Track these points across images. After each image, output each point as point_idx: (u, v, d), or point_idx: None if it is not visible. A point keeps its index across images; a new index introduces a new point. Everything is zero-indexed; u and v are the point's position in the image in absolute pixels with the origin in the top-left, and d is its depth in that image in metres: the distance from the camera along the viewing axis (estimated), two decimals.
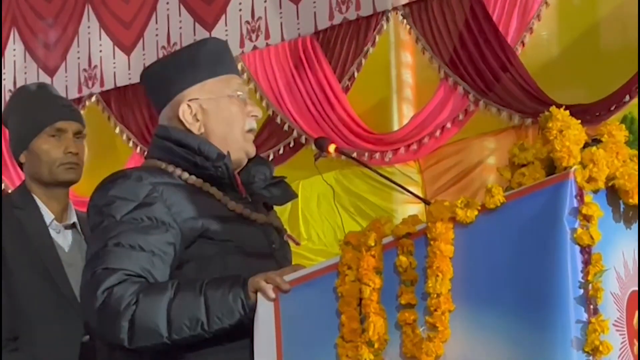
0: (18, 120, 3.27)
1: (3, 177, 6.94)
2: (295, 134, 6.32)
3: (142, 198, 2.44)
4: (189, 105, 2.60)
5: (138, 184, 2.47)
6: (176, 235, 2.45)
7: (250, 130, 2.64)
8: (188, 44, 2.75)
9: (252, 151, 2.65)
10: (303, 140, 6.30)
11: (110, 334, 2.37)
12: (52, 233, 3.16)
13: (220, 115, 2.60)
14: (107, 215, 2.44)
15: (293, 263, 2.58)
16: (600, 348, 2.02)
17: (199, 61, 2.62)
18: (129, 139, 7.15)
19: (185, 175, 2.54)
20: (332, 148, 2.77)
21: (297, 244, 2.65)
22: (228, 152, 2.55)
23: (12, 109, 3.30)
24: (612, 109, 5.11)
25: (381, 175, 3.13)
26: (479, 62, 5.66)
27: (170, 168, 2.55)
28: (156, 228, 2.43)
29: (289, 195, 2.68)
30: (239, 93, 2.63)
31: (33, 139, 3.21)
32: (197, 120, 2.59)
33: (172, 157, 2.56)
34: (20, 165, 3.29)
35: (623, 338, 2.10)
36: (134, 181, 2.48)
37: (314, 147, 3.17)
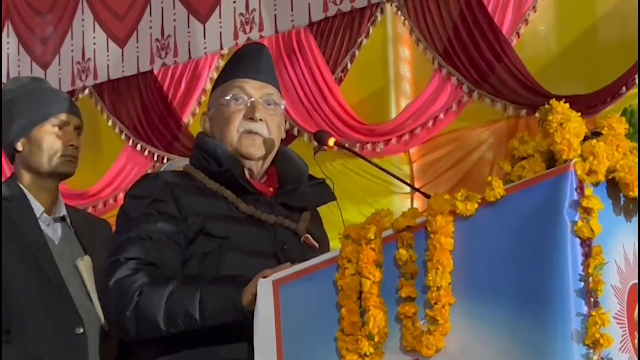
0: (21, 107, 3.21)
1: None
2: (287, 125, 6.29)
3: (155, 195, 2.56)
4: (205, 114, 2.76)
5: (153, 182, 2.61)
6: (184, 228, 2.54)
7: (248, 132, 2.66)
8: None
9: (249, 151, 2.67)
10: (295, 132, 6.28)
11: (118, 324, 2.49)
12: (42, 225, 3.11)
13: (217, 120, 2.71)
14: (125, 214, 2.59)
15: None
16: (601, 341, 2.02)
17: (219, 72, 2.79)
18: (121, 132, 7.14)
19: (206, 179, 2.63)
20: (331, 142, 2.77)
21: (315, 246, 2.65)
22: (236, 157, 2.63)
23: (15, 96, 3.23)
24: (608, 100, 5.09)
25: (382, 169, 3.10)
26: (473, 53, 5.64)
27: (196, 173, 2.65)
28: (165, 220, 2.53)
29: (314, 199, 2.75)
30: (236, 97, 2.68)
31: (35, 127, 3.16)
32: (210, 128, 2.73)
33: (197, 163, 2.68)
34: (11, 155, 3.21)
35: (624, 331, 2.10)
36: (150, 180, 2.64)
37: (313, 140, 3.17)
